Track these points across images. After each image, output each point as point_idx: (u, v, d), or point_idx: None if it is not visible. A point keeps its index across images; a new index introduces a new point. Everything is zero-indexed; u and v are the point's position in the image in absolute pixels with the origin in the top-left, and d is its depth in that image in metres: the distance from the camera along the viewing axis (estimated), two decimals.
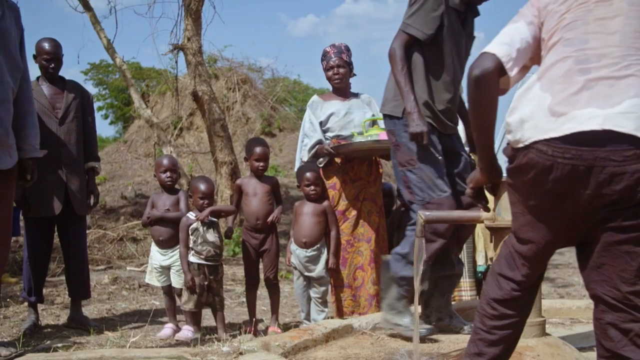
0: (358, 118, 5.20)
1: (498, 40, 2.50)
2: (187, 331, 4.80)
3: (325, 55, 5.28)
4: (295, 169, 5.41)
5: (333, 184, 5.13)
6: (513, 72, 2.46)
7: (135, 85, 12.39)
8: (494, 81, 2.44)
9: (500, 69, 2.44)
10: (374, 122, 5.26)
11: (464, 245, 5.09)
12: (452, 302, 4.83)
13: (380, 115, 5.36)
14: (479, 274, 5.54)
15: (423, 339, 3.85)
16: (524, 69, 2.56)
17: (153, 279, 5.13)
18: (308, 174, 4.97)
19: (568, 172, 2.18)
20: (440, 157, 3.99)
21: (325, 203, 5.01)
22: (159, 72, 16.82)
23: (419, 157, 3.96)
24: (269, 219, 5.04)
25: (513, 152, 2.34)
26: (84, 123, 5.25)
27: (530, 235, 2.41)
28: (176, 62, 10.59)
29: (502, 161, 2.58)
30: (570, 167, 2.17)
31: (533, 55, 2.52)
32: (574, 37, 2.33)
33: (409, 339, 3.83)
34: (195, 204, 4.91)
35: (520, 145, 2.28)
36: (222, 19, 21.42)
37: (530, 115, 2.27)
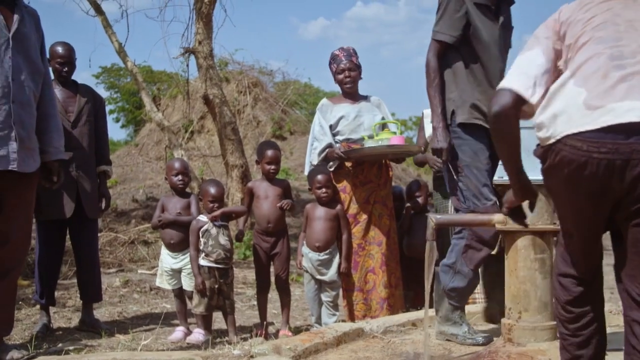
0: (368, 121, 5.19)
1: (513, 71, 2.53)
2: (198, 334, 4.80)
3: (334, 59, 5.27)
4: (305, 173, 5.41)
5: (343, 187, 5.12)
6: (535, 98, 2.44)
7: (147, 88, 12.44)
8: (512, 115, 2.45)
9: (518, 102, 2.44)
10: (383, 126, 5.26)
11: None
12: (471, 305, 4.83)
13: (391, 119, 5.39)
14: None
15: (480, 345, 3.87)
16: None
17: (164, 282, 5.13)
18: (319, 177, 4.96)
19: (604, 167, 2.18)
20: (485, 164, 3.97)
21: (338, 207, 5.00)
22: (170, 76, 16.87)
23: (466, 164, 3.97)
24: (279, 204, 5.01)
25: (543, 152, 2.34)
26: (95, 127, 5.27)
27: (574, 230, 2.44)
28: (187, 65, 10.64)
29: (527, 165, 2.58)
30: (607, 162, 2.17)
31: (554, 74, 2.51)
32: (606, 36, 2.34)
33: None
34: (206, 207, 4.90)
35: (552, 140, 2.28)
36: (233, 22, 21.49)
37: (564, 110, 2.27)
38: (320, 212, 4.99)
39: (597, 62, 2.29)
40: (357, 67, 5.26)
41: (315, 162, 5.17)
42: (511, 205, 2.75)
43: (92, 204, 5.18)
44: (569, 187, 2.30)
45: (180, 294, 5.09)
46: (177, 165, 5.17)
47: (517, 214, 2.82)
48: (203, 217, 4.85)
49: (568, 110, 2.26)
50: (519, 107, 2.45)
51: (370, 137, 5.07)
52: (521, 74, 2.50)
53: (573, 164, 2.22)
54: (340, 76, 5.23)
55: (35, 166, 3.99)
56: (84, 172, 5.13)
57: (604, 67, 2.26)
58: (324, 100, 5.43)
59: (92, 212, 5.17)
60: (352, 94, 5.30)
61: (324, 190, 4.95)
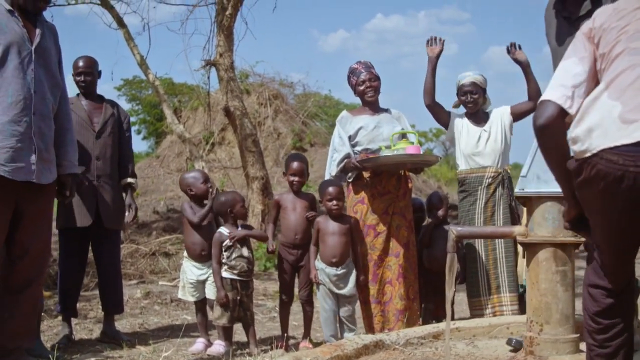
0: (387, 132, 5.17)
1: (553, 83, 2.52)
2: (218, 346, 4.80)
3: (353, 72, 5.27)
4: None
5: (361, 198, 5.10)
6: (574, 109, 2.44)
7: (168, 100, 12.49)
8: (558, 127, 2.44)
9: (562, 112, 2.43)
10: (402, 136, 5.24)
11: (504, 260, 5.06)
12: (494, 317, 4.83)
13: (410, 130, 5.38)
14: (522, 288, 5.46)
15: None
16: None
17: (186, 294, 5.11)
18: (330, 189, 4.91)
19: None
20: None
21: (352, 220, 4.99)
22: (191, 88, 16.94)
23: None
24: (306, 214, 5.02)
25: (579, 165, 2.33)
26: (120, 140, 5.32)
27: (607, 243, 2.42)
28: (208, 77, 10.64)
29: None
30: None
31: (593, 82, 2.50)
32: None
33: None
34: (227, 219, 4.91)
35: (588, 154, 2.27)
36: (254, 35, 21.45)
37: (599, 124, 2.26)
38: (333, 226, 4.92)
39: (631, 74, 2.28)
40: (377, 78, 5.26)
41: (334, 173, 5.17)
42: (570, 217, 2.63)
43: (112, 214, 5.20)
44: (604, 200, 2.29)
45: (202, 305, 5.10)
46: (197, 174, 5.19)
47: (579, 226, 2.65)
48: (225, 230, 4.86)
49: (603, 124, 2.25)
50: (563, 118, 2.44)
51: (388, 147, 5.06)
52: (558, 85, 2.48)
53: (609, 177, 2.21)
54: (362, 87, 5.22)
55: (52, 178, 4.05)
56: (105, 182, 5.17)
57: (638, 80, 2.25)
58: (344, 112, 5.42)
59: (111, 222, 5.19)
60: (373, 105, 5.29)
61: (334, 202, 4.88)
